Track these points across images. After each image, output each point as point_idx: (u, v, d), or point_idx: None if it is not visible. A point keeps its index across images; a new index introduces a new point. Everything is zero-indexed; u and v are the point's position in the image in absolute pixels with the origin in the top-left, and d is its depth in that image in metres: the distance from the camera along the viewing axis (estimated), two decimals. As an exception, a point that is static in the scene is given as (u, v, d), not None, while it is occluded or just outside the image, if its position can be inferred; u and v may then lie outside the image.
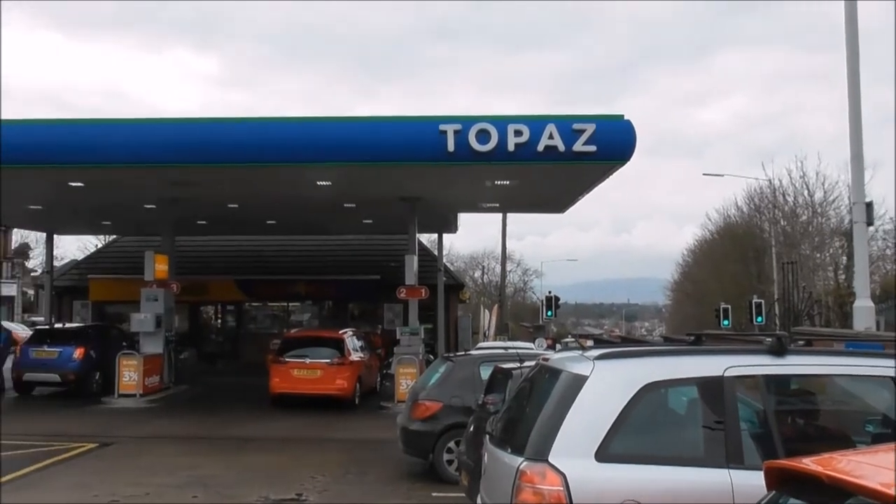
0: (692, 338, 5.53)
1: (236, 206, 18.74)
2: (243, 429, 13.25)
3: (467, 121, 12.62)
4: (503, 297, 43.43)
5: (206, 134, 13.24)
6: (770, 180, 35.88)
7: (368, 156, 13.04)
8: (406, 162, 13.30)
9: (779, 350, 4.44)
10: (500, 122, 12.58)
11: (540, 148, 12.41)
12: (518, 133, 12.42)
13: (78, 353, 17.15)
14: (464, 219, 25.12)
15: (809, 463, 2.66)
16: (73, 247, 53.85)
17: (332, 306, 26.07)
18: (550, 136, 12.36)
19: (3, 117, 13.69)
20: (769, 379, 4.43)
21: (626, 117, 12.75)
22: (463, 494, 7.12)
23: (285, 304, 26.92)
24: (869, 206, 11.68)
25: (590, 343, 6.70)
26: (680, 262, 57.44)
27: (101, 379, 17.15)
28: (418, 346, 16.45)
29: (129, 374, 16.14)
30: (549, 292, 27.74)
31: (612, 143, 12.55)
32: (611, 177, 14.43)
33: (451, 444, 9.08)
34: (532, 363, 5.72)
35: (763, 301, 27.86)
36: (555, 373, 4.61)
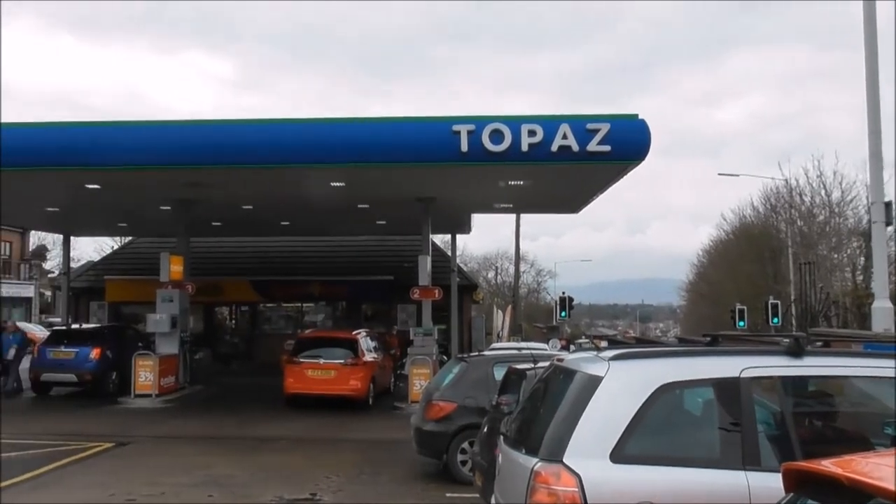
0: (708, 339, 5.48)
1: (250, 207, 18.84)
2: (258, 429, 13.31)
3: (481, 121, 12.60)
4: (517, 298, 43.37)
5: (221, 135, 13.31)
6: (786, 180, 35.56)
7: (382, 156, 13.06)
8: (419, 162, 13.31)
9: (796, 351, 4.39)
10: (514, 122, 12.56)
11: (554, 148, 12.38)
12: (532, 133, 12.40)
13: (95, 353, 17.30)
14: (477, 219, 25.06)
15: (829, 465, 2.62)
16: (90, 248, 54.45)
17: (346, 307, 26.13)
18: (564, 136, 12.33)
19: (21, 121, 13.85)
20: (787, 380, 4.39)
21: (640, 117, 12.69)
22: (477, 495, 7.11)
23: (299, 304, 27.03)
24: (888, 205, 11.53)
25: (604, 344, 6.67)
26: (695, 262, 57.11)
27: (117, 379, 17.29)
28: (432, 346, 16.45)
29: (144, 374, 16.26)
30: (563, 293, 27.67)
31: (627, 143, 12.50)
32: (625, 177, 14.37)
33: (465, 445, 9.07)
34: (546, 364, 5.70)
35: (779, 302, 27.61)
36: (569, 373, 4.59)
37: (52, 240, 47.44)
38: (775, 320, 26.00)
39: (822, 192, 35.65)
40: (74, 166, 13.55)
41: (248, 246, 26.86)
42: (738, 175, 38.25)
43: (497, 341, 30.74)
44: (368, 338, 17.26)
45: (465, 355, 11.09)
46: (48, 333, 21.04)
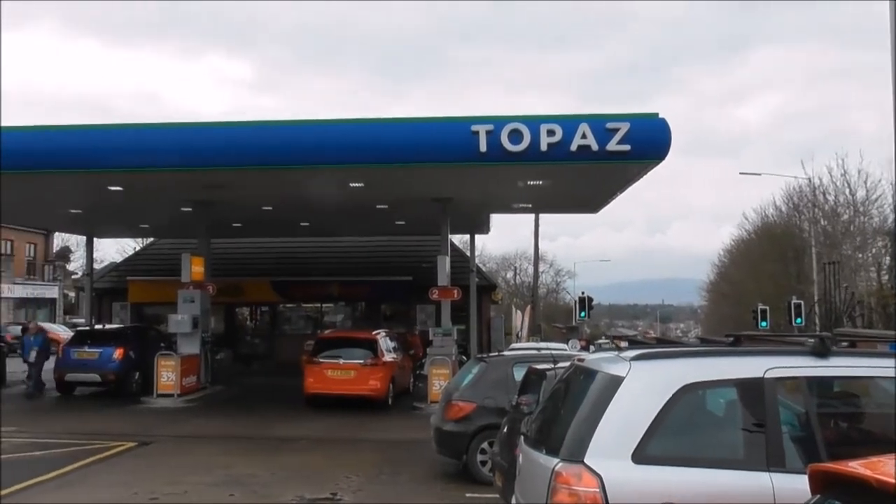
0: (731, 339, 5.43)
1: (270, 208, 18.96)
2: (278, 429, 13.38)
3: (499, 121, 12.57)
4: (536, 298, 43.25)
5: (240, 137, 13.40)
6: (810, 179, 35.13)
7: (400, 157, 13.08)
8: (438, 163, 13.31)
9: (822, 351, 4.34)
10: (533, 121, 12.52)
11: (573, 147, 12.32)
12: (551, 133, 12.34)
13: (118, 353, 17.50)
14: (496, 219, 25.07)
15: (857, 466, 2.59)
16: (112, 249, 55.09)
17: (365, 307, 26.21)
18: (583, 136, 12.25)
19: (43, 123, 14.03)
20: (811, 381, 4.33)
21: (660, 115, 12.59)
22: (497, 495, 7.09)
23: (319, 305, 27.16)
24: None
25: (624, 344, 6.62)
26: (716, 262, 56.58)
27: (140, 379, 17.47)
28: (451, 346, 16.44)
29: (167, 374, 16.42)
30: (583, 293, 27.49)
31: (647, 142, 12.40)
32: (645, 176, 14.27)
33: (485, 445, 9.05)
34: (566, 364, 5.67)
35: (802, 302, 27.25)
36: (590, 374, 4.57)
37: (76, 241, 48.09)
38: (798, 321, 25.66)
39: (847, 190, 35.20)
40: (97, 169, 13.72)
41: (268, 247, 27.04)
42: (759, 174, 37.82)
43: (516, 341, 30.66)
44: (388, 338, 17.29)
45: (485, 355, 11.07)
46: (72, 334, 21.32)
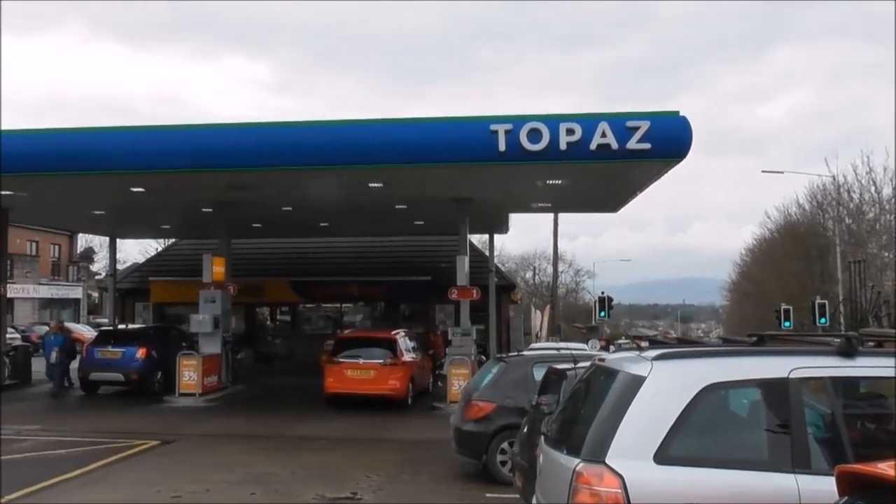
0: (754, 338, 5.36)
1: (290, 208, 19.07)
2: (299, 428, 13.45)
3: (518, 120, 12.54)
4: (555, 298, 43.08)
5: (260, 138, 13.50)
6: (834, 177, 34.59)
7: (419, 157, 13.09)
8: (457, 162, 13.29)
9: (848, 351, 4.27)
10: (552, 120, 12.46)
11: (592, 146, 12.25)
12: (570, 132, 12.28)
13: (140, 353, 17.70)
14: (515, 219, 24.96)
15: (885, 468, 2.54)
16: (135, 250, 55.78)
17: (385, 307, 26.26)
18: (603, 135, 12.19)
19: (65, 126, 14.24)
20: (837, 381, 4.26)
21: (681, 113, 12.48)
22: (517, 495, 7.07)
23: (338, 305, 27.26)
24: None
25: (645, 344, 6.57)
26: (738, 261, 55.96)
27: (162, 378, 17.66)
28: (470, 346, 16.42)
29: (188, 373, 16.57)
30: (603, 293, 27.34)
31: (668, 141, 12.30)
32: (665, 175, 14.15)
33: (505, 445, 9.03)
34: (586, 364, 5.63)
35: (827, 302, 26.85)
36: (611, 373, 4.54)
37: (99, 242, 48.74)
38: (822, 320, 25.29)
39: (872, 188, 34.63)
40: (119, 170, 13.87)
41: (288, 247, 27.20)
42: (782, 172, 37.35)
43: (535, 341, 30.57)
44: (407, 338, 17.31)
45: (504, 355, 11.05)
46: (96, 334, 21.59)
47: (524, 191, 16.72)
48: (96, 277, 49.56)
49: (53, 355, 17.96)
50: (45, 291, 43.24)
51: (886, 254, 33.65)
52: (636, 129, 12.12)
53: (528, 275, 65.58)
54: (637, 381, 4.17)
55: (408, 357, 16.26)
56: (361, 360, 15.61)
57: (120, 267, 30.71)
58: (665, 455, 3.94)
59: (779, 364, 4.24)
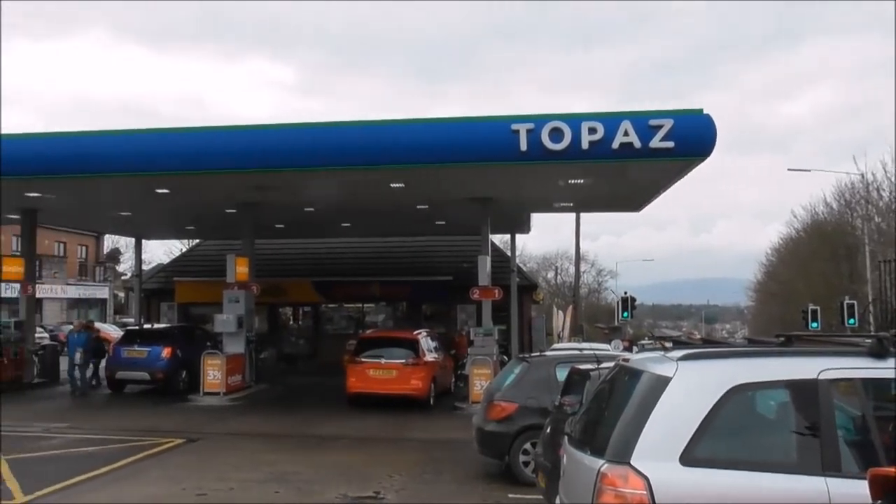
0: (781, 339, 5.28)
1: (312, 209, 19.18)
2: (321, 427, 13.51)
3: (540, 119, 12.49)
4: (577, 298, 42.84)
5: (283, 139, 13.58)
6: (862, 174, 33.97)
7: (441, 157, 13.09)
8: (478, 162, 13.27)
9: (880, 352, 4.19)
10: (574, 119, 12.40)
11: (615, 145, 12.17)
12: (592, 130, 12.21)
13: (166, 352, 17.91)
14: (536, 219, 24.87)
15: (920, 471, 2.48)
16: (160, 251, 56.57)
17: (406, 307, 26.30)
18: (626, 133, 12.10)
19: (93, 129, 14.45)
20: (868, 383, 4.18)
21: (704, 111, 12.35)
22: (540, 496, 7.03)
23: (360, 305, 27.36)
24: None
25: (669, 345, 6.50)
26: (763, 261, 55.24)
27: (187, 377, 17.84)
28: (492, 346, 16.39)
29: (213, 372, 16.72)
30: (626, 293, 27.13)
31: (691, 139, 12.18)
32: (689, 174, 14.02)
33: (528, 446, 9.00)
34: (610, 365, 5.59)
35: (856, 302, 26.37)
36: (635, 374, 4.50)
37: (125, 243, 49.43)
38: (851, 321, 24.84)
39: (903, 186, 33.92)
40: (145, 172, 14.04)
41: (310, 247, 27.36)
42: (809, 170, 36.79)
43: (557, 342, 30.45)
44: (429, 338, 17.32)
45: (527, 355, 11.01)
46: (122, 333, 21.88)
47: (546, 190, 16.65)
48: (122, 278, 50.24)
49: (78, 356, 18.20)
50: (73, 291, 43.96)
51: (917, 253, 32.96)
52: (659, 127, 12.02)
53: (550, 275, 65.32)
54: (662, 382, 4.12)
55: (430, 357, 16.27)
56: (383, 360, 15.65)
57: (145, 267, 31.09)
58: (691, 457, 3.90)
59: (808, 365, 4.17)
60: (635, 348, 17.90)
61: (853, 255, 35.84)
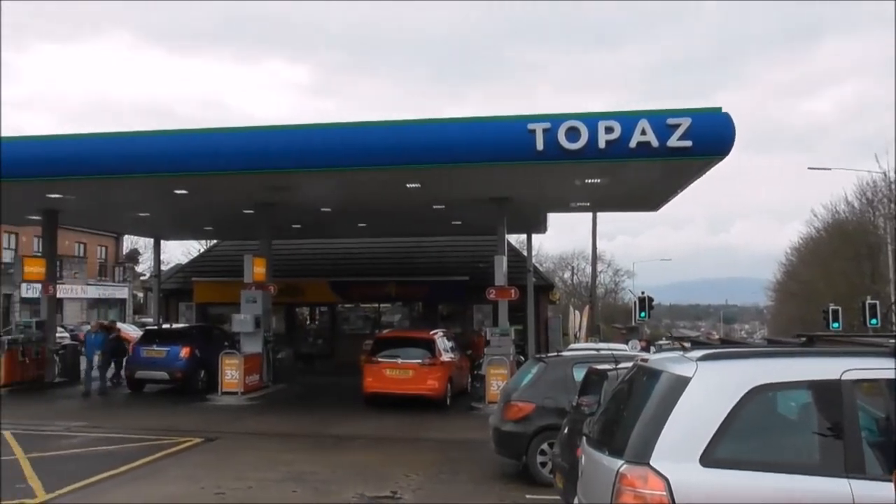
0: (803, 339, 5.21)
1: (329, 209, 19.23)
2: (338, 427, 13.55)
3: (556, 119, 12.43)
4: (594, 298, 42.65)
5: (299, 139, 13.61)
6: (885, 173, 33.55)
7: (457, 157, 13.06)
8: (494, 162, 13.22)
9: (904, 352, 4.12)
10: (590, 118, 12.32)
11: (632, 144, 12.08)
12: (609, 130, 12.13)
13: (184, 352, 18.05)
14: (553, 219, 24.80)
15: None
16: (178, 251, 57.05)
17: (423, 307, 26.31)
18: (643, 132, 12.00)
19: (114, 130, 14.59)
20: (893, 383, 4.11)
21: (723, 110, 12.24)
22: (558, 497, 7.00)
23: (377, 305, 27.40)
24: None
25: (687, 345, 6.44)
26: (783, 261, 54.69)
27: (205, 377, 17.96)
28: (509, 346, 16.35)
29: (231, 372, 16.82)
30: (643, 293, 26.95)
31: (710, 138, 12.06)
32: (707, 173, 13.89)
33: (545, 446, 8.97)
34: (628, 365, 5.55)
35: (878, 302, 26.01)
36: (654, 374, 4.46)
37: (144, 244, 49.91)
38: (874, 321, 24.50)
39: (926, 184, 33.44)
40: (164, 173, 14.15)
41: (327, 248, 27.46)
42: (829, 169, 36.49)
43: (574, 342, 30.32)
44: (445, 338, 17.31)
45: (544, 356, 10.97)
46: (141, 333, 22.09)
47: (562, 190, 16.58)
48: (141, 278, 50.73)
49: (96, 358, 18.34)
50: (93, 292, 44.45)
51: (940, 252, 32.45)
52: (677, 126, 11.91)
53: (567, 275, 65.12)
54: (682, 382, 4.09)
55: (446, 357, 16.26)
56: (400, 360, 15.66)
57: (164, 268, 31.42)
58: (711, 457, 3.86)
59: (830, 365, 4.11)
60: (653, 349, 17.80)
61: (875, 255, 35.37)
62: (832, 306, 26.39)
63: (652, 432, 3.97)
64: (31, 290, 30.84)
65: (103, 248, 46.53)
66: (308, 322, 28.56)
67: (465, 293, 23.85)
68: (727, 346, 5.21)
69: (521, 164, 13.17)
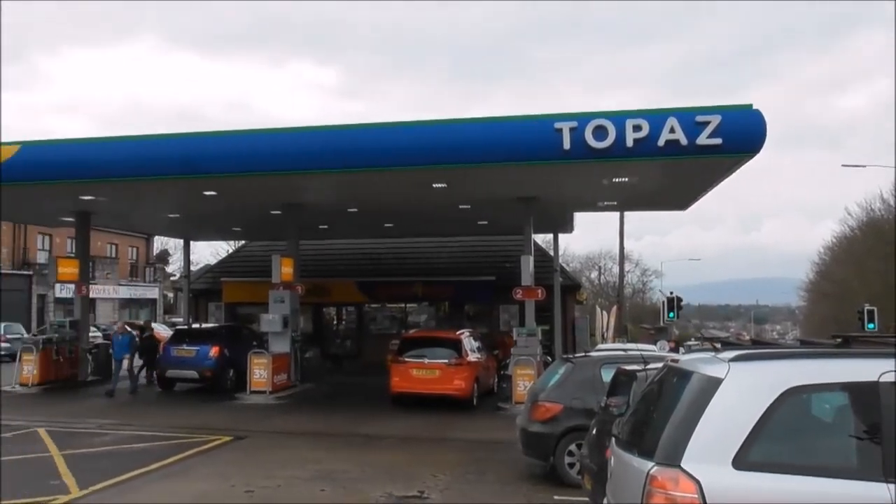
0: (839, 340, 5.10)
1: (355, 210, 19.32)
2: (366, 426, 13.60)
3: (583, 117, 12.33)
4: (621, 298, 42.29)
5: (327, 141, 13.69)
6: (920, 169, 32.78)
7: (483, 157, 13.03)
8: (521, 162, 13.16)
9: (945, 353, 4.01)
10: (618, 117, 12.21)
11: (660, 143, 11.94)
12: (637, 128, 12.00)
13: (214, 351, 18.27)
14: (579, 219, 24.63)
15: None
16: (207, 252, 57.76)
17: (449, 307, 26.32)
18: (672, 130, 11.86)
19: (146, 133, 14.81)
20: None
21: (754, 106, 12.05)
22: (586, 498, 6.94)
23: (403, 305, 27.47)
24: None
25: (717, 345, 6.35)
26: (816, 260, 53.70)
27: (234, 376, 18.16)
28: (535, 347, 16.28)
29: (259, 371, 16.98)
30: (671, 293, 26.69)
31: (740, 135, 11.88)
32: (737, 171, 13.69)
33: (573, 447, 8.91)
34: (657, 365, 5.48)
35: (914, 302, 25.42)
36: (685, 375, 4.40)
37: (174, 244, 50.69)
38: (909, 321, 23.96)
39: (963, 181, 32.62)
40: (194, 175, 14.33)
41: (354, 248, 27.60)
42: (864, 166, 35.72)
43: (601, 342, 30.09)
44: (472, 338, 17.29)
45: (571, 356, 10.89)
46: (172, 332, 22.40)
47: (589, 189, 16.47)
48: (171, 278, 51.46)
49: (125, 363, 18.56)
50: (125, 292, 45.20)
51: (980, 251, 31.63)
52: (706, 123, 11.75)
53: (594, 275, 64.69)
54: (713, 383, 4.03)
55: (472, 357, 16.24)
56: (426, 360, 15.68)
57: (193, 268, 31.77)
58: (744, 460, 3.80)
59: (867, 367, 4.02)
60: (681, 349, 17.61)
61: (912, 254, 34.51)
62: (867, 306, 25.85)
63: (683, 434, 3.92)
64: (64, 291, 31.44)
65: (134, 249, 47.29)
66: (335, 322, 28.73)
67: (492, 293, 23.80)
68: (759, 347, 5.12)
69: (547, 164, 13.10)
